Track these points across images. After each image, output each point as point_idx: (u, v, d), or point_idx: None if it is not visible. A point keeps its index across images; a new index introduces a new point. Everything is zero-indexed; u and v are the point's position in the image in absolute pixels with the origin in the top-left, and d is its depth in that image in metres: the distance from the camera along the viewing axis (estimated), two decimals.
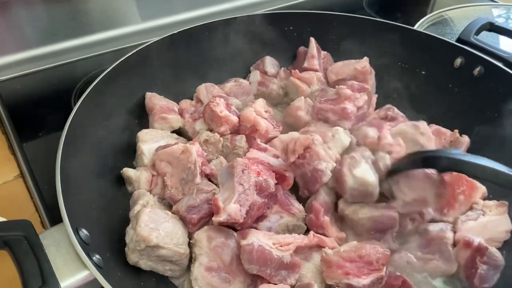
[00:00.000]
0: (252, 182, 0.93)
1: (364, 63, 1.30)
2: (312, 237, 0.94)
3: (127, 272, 0.88)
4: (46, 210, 1.08)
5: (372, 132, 1.10)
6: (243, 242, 0.87)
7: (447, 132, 1.17)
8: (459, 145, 1.14)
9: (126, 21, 1.67)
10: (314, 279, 0.90)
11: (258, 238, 0.88)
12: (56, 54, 1.55)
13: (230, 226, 0.94)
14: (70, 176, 0.89)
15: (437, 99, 1.28)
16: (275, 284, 0.88)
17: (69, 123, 0.96)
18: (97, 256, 0.79)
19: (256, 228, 0.96)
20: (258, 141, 1.09)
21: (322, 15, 1.38)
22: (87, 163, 1.00)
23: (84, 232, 0.81)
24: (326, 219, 0.98)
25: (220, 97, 1.17)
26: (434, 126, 1.18)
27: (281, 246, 0.90)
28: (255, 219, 0.96)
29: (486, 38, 1.35)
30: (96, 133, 1.06)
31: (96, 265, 0.76)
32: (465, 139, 1.14)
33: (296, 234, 0.95)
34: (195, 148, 1.02)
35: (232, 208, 0.88)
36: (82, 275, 0.74)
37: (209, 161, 1.09)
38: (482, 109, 1.19)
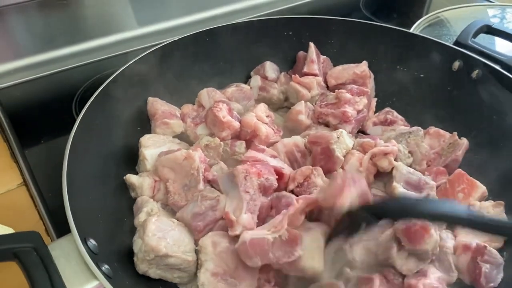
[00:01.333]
0: (255, 186, 0.94)
1: (363, 67, 1.31)
2: (296, 202, 0.91)
3: (135, 280, 0.89)
4: (50, 219, 1.09)
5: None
6: (236, 245, 0.89)
7: (446, 134, 1.18)
8: (457, 147, 1.15)
9: (123, 26, 1.68)
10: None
11: (247, 232, 0.89)
12: (55, 60, 1.55)
13: None
14: (75, 184, 0.89)
15: (436, 102, 1.29)
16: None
17: (74, 131, 0.97)
18: (106, 266, 0.79)
19: None
20: (256, 143, 1.10)
21: (321, 20, 1.38)
22: (91, 170, 1.00)
23: (92, 242, 0.81)
24: None
25: (223, 102, 1.18)
26: (433, 129, 1.20)
27: (276, 227, 0.89)
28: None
29: (483, 40, 1.36)
30: (100, 140, 1.07)
31: (106, 275, 0.76)
32: (464, 141, 1.16)
33: (285, 210, 0.92)
34: (198, 154, 1.02)
35: (245, 219, 0.90)
36: (91, 286, 0.75)
37: (210, 166, 1.10)
38: (480, 112, 1.20)
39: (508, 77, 1.16)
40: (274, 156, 1.08)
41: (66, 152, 0.91)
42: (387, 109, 1.29)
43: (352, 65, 1.34)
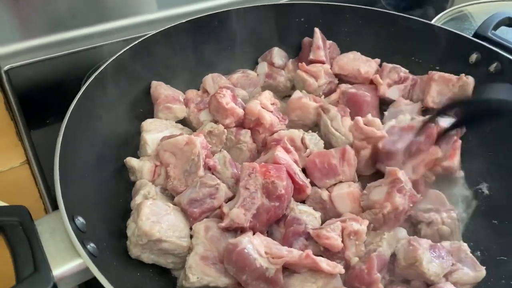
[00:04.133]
0: (259, 185, 0.90)
1: (367, 69, 1.27)
2: (304, 257, 0.83)
3: (124, 262, 0.87)
4: (49, 197, 1.08)
5: None
6: (230, 240, 0.85)
7: (452, 77, 1.17)
8: (467, 86, 1.15)
9: (142, 9, 1.65)
10: None
11: (249, 241, 0.84)
12: (67, 42, 1.54)
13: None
14: (70, 163, 0.88)
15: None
16: None
17: (70, 111, 0.96)
18: (92, 244, 0.78)
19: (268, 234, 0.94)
20: (260, 131, 1.07)
21: (335, 7, 1.34)
22: (89, 151, 0.99)
23: (80, 220, 0.80)
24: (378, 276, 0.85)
25: (227, 89, 1.15)
26: (437, 73, 1.19)
27: (273, 258, 0.84)
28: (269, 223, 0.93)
29: (506, 34, 1.29)
30: (99, 121, 1.06)
31: (90, 254, 0.75)
32: (470, 80, 1.16)
33: (295, 249, 0.87)
34: (199, 139, 1.00)
35: (235, 213, 0.87)
36: (75, 263, 0.73)
37: (213, 153, 1.08)
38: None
39: None
40: (297, 162, 1.03)
41: (61, 130, 0.90)
42: (390, 65, 1.26)
43: (362, 58, 1.30)
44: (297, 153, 1.05)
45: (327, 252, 0.90)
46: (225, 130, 1.08)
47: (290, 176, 0.96)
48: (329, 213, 0.99)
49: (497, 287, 0.90)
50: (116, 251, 0.87)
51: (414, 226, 0.97)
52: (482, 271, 0.88)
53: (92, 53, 1.55)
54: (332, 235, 0.88)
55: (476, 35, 1.23)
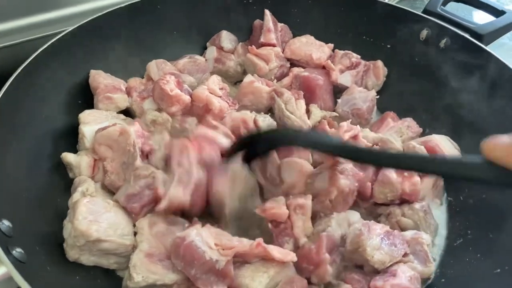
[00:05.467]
0: (192, 159, 0.86)
1: (320, 54, 1.23)
2: (255, 246, 0.79)
3: (61, 266, 0.81)
4: None
5: None
6: (177, 234, 0.81)
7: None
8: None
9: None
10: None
11: (197, 234, 0.80)
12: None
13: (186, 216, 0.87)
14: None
15: (403, 73, 1.22)
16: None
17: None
18: (19, 249, 0.71)
19: None
20: (210, 118, 1.01)
21: None
22: (20, 149, 0.91)
23: (5, 223, 0.73)
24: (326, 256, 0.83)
25: (172, 75, 1.09)
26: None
27: (223, 249, 0.79)
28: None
29: (455, 9, 1.28)
30: (31, 116, 0.97)
31: (16, 259, 0.68)
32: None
33: (245, 239, 0.82)
34: (133, 128, 0.94)
35: (173, 192, 0.82)
36: None
37: None
38: (447, 82, 1.13)
39: (477, 45, 1.08)
40: (227, 135, 0.98)
41: None
42: (342, 52, 1.24)
43: (316, 42, 1.27)
44: None
45: (276, 229, 0.87)
46: (170, 118, 1.02)
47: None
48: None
49: None
50: (51, 254, 0.81)
51: (374, 219, 0.94)
52: (431, 268, 0.86)
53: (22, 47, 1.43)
54: (276, 204, 0.86)
55: (425, 11, 1.21)
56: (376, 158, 0.77)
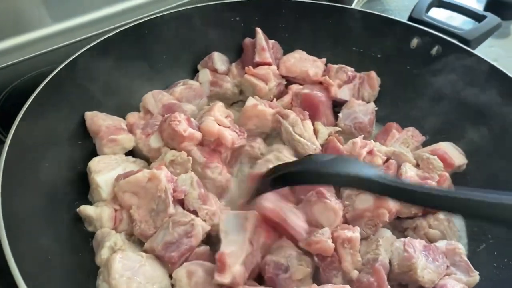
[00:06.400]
0: (260, 243, 0.85)
1: (315, 70, 1.23)
2: None
3: None
4: None
5: None
6: None
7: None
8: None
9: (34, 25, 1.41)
10: None
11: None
12: None
13: None
14: (15, 225, 0.74)
15: (397, 82, 1.24)
16: None
17: (3, 161, 0.80)
18: None
19: None
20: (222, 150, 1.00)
21: (270, 2, 1.27)
22: (34, 206, 0.85)
23: None
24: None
25: (179, 112, 1.03)
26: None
27: None
28: None
29: (438, 14, 1.31)
30: (37, 166, 0.89)
31: None
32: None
33: None
34: (163, 173, 0.89)
35: (238, 271, 0.79)
36: None
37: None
38: (442, 89, 1.17)
39: (468, 51, 1.13)
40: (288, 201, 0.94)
41: None
42: (336, 66, 1.24)
43: (309, 57, 1.26)
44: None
45: (323, 263, 0.86)
46: (189, 158, 0.97)
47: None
48: None
49: None
50: None
51: (401, 234, 0.96)
52: (475, 277, 0.87)
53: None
54: (322, 238, 0.84)
55: (411, 19, 1.24)
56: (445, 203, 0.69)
